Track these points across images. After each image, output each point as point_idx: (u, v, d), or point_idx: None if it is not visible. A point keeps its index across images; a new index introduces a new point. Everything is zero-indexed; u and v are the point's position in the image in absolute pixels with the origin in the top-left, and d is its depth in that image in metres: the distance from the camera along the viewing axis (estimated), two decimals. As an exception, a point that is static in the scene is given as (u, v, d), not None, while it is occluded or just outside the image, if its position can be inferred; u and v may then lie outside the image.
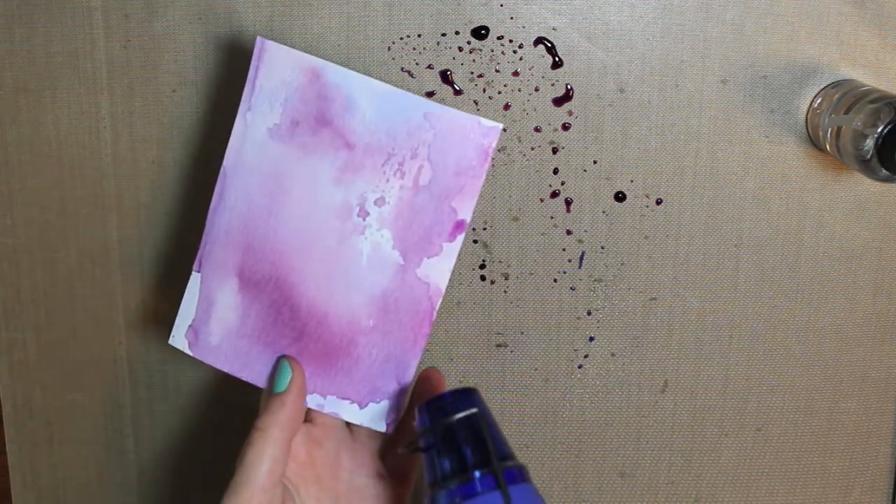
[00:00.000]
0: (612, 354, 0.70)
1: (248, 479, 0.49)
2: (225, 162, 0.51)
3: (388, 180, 0.49)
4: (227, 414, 0.70)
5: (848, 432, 0.71)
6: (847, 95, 0.61)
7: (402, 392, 0.52)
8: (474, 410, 0.48)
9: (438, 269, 0.50)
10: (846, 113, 0.60)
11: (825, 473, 0.72)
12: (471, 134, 0.48)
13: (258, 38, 0.51)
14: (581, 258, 0.68)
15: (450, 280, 0.67)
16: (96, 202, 0.67)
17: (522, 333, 0.69)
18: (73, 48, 0.64)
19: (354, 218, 0.49)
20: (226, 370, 0.53)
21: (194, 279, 0.53)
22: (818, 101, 0.65)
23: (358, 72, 0.52)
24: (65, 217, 0.67)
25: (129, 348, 0.69)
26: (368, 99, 0.49)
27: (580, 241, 0.68)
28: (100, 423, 0.70)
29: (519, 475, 0.49)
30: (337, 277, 0.50)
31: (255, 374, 0.52)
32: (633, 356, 0.70)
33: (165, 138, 0.66)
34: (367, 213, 0.49)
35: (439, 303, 0.50)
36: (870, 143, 0.57)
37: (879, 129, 0.57)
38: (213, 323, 0.52)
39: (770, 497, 0.72)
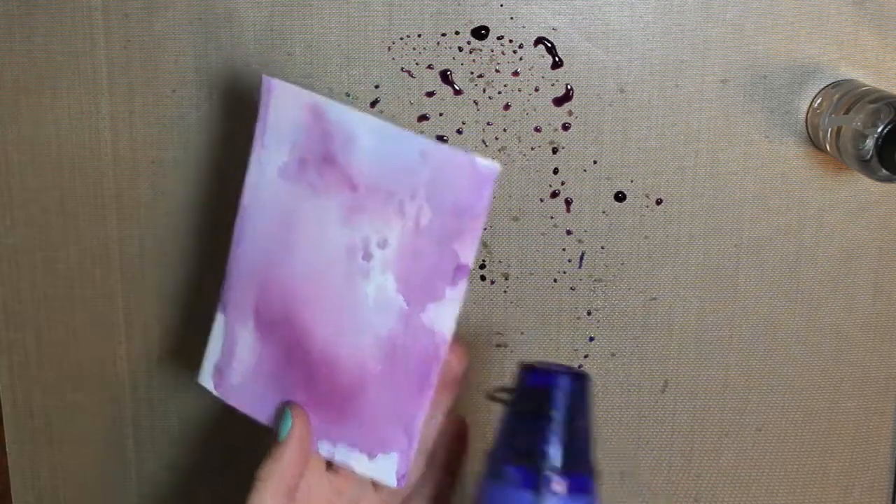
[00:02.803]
0: (612, 354, 0.70)
1: None
2: (243, 199, 0.50)
3: (389, 221, 0.47)
4: (227, 413, 0.70)
5: (848, 432, 0.71)
6: (847, 95, 0.61)
7: (410, 445, 0.49)
8: (585, 408, 0.47)
9: (443, 316, 0.47)
10: (846, 113, 0.60)
11: (825, 473, 0.72)
12: (467, 174, 0.46)
13: (264, 77, 0.49)
14: (581, 258, 0.68)
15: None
16: (96, 202, 0.67)
17: (522, 333, 0.69)
18: (73, 48, 0.64)
19: (359, 261, 0.48)
20: (246, 412, 0.52)
21: (220, 320, 0.52)
22: (818, 101, 0.65)
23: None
24: (65, 217, 0.67)
25: (129, 348, 0.69)
26: (367, 136, 0.47)
27: (580, 241, 0.68)
28: (100, 423, 0.70)
29: (588, 485, 0.48)
30: (345, 321, 0.49)
31: (267, 416, 0.52)
32: (633, 356, 0.70)
33: (165, 138, 0.66)
34: (371, 256, 0.48)
35: (445, 351, 0.48)
36: (870, 143, 0.57)
37: (879, 129, 0.57)
38: (235, 363, 0.52)
39: (770, 497, 0.72)
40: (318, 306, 0.49)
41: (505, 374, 0.69)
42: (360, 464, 0.50)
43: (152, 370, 0.69)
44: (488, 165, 0.45)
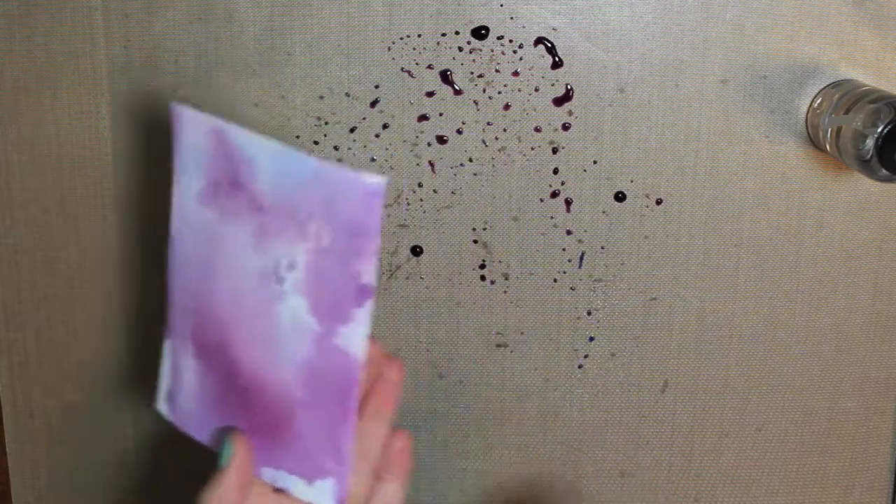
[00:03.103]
0: (612, 354, 0.70)
1: None
2: (171, 228, 0.51)
3: (294, 243, 0.48)
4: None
5: (848, 432, 0.71)
6: (847, 95, 0.61)
7: (343, 470, 0.50)
8: None
9: (354, 338, 0.48)
10: (846, 113, 0.60)
11: (825, 473, 0.72)
12: (356, 191, 0.46)
13: (172, 106, 0.50)
14: (581, 258, 0.68)
15: (450, 280, 0.67)
16: (96, 202, 0.67)
17: (522, 333, 0.69)
18: (73, 48, 0.64)
19: (273, 285, 0.49)
20: (197, 438, 0.53)
21: (167, 346, 0.53)
22: (818, 101, 0.65)
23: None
24: (65, 217, 0.67)
25: (129, 348, 0.69)
26: (267, 159, 0.48)
27: (580, 241, 0.68)
28: (100, 423, 0.70)
29: None
30: (267, 346, 0.50)
31: (211, 439, 0.53)
32: (633, 356, 0.70)
33: (165, 138, 0.66)
34: (283, 280, 0.48)
35: (362, 375, 0.48)
36: (870, 143, 0.57)
37: (879, 129, 0.57)
38: (184, 389, 0.53)
39: (770, 497, 0.72)
40: (242, 332, 0.50)
41: (505, 373, 0.69)
42: (300, 490, 0.50)
43: (152, 370, 0.69)
44: (374, 181, 0.45)
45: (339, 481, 0.49)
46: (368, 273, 0.47)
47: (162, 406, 0.53)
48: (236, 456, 0.50)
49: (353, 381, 0.47)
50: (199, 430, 0.52)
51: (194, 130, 0.49)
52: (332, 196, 0.46)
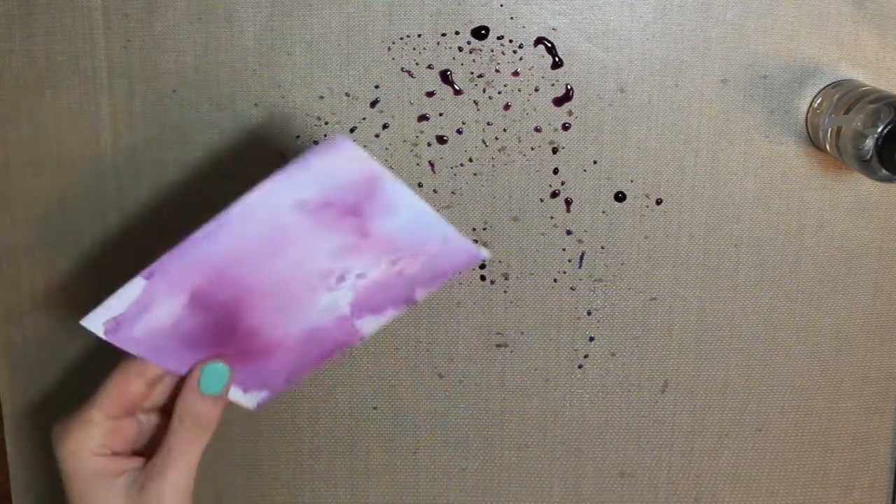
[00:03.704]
0: (612, 354, 0.70)
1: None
2: (234, 207, 0.53)
3: (377, 265, 0.55)
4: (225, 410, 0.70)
5: (848, 432, 0.71)
6: (847, 95, 0.61)
7: (284, 387, 0.58)
8: None
9: (374, 324, 0.57)
10: (846, 113, 0.60)
11: (825, 473, 0.72)
12: (467, 256, 0.55)
13: (339, 137, 0.52)
14: (581, 258, 0.68)
15: (450, 280, 0.67)
16: (96, 202, 0.67)
17: (522, 333, 0.69)
18: (73, 48, 0.64)
19: (331, 280, 0.55)
20: (139, 354, 0.56)
21: (138, 283, 0.54)
22: (818, 101, 0.65)
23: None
24: (65, 217, 0.67)
25: (129, 348, 0.69)
26: (408, 211, 0.53)
27: (580, 241, 0.68)
28: (100, 423, 0.70)
29: None
30: (287, 313, 0.56)
31: (170, 363, 0.56)
32: (633, 356, 0.70)
33: (165, 138, 0.66)
34: (343, 280, 0.55)
35: (357, 342, 0.58)
36: (870, 143, 0.57)
37: (879, 129, 0.57)
38: (145, 321, 0.55)
39: (770, 497, 0.72)
40: (266, 301, 0.56)
41: (505, 373, 0.69)
42: (233, 394, 0.58)
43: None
44: (485, 254, 0.55)
45: (271, 392, 0.59)
46: (423, 295, 0.57)
47: (96, 325, 0.55)
48: (229, 383, 0.56)
49: (344, 345, 0.58)
50: (147, 352, 0.56)
51: (348, 163, 0.52)
52: (441, 251, 0.55)
